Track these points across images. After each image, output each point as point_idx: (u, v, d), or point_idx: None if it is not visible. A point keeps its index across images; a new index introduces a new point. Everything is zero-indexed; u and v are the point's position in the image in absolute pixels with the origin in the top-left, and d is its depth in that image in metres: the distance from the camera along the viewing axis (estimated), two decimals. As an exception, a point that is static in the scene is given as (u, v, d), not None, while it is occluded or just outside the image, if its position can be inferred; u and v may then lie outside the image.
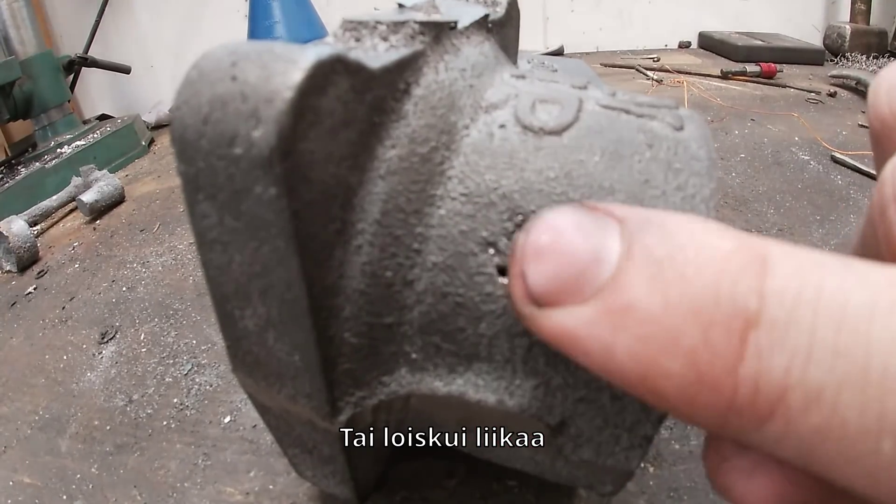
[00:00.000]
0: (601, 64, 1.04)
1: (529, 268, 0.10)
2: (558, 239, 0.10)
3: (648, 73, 0.93)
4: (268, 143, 0.11)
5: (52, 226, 0.61)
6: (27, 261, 0.52)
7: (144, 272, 0.48)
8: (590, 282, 0.10)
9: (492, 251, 0.14)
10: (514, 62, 0.24)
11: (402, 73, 0.15)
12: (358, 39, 0.16)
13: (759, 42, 1.03)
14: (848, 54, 1.02)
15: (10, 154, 0.78)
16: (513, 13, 0.24)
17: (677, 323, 0.09)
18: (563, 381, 0.14)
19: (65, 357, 0.39)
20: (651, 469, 0.26)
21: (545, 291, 0.10)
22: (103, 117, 0.92)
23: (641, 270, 0.09)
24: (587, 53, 1.18)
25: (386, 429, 0.18)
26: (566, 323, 0.10)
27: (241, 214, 0.12)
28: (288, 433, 0.19)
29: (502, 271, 0.14)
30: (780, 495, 0.10)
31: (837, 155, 0.59)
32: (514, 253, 0.11)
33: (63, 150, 0.73)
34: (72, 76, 0.86)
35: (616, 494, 0.18)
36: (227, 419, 0.31)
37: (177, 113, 0.12)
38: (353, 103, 0.13)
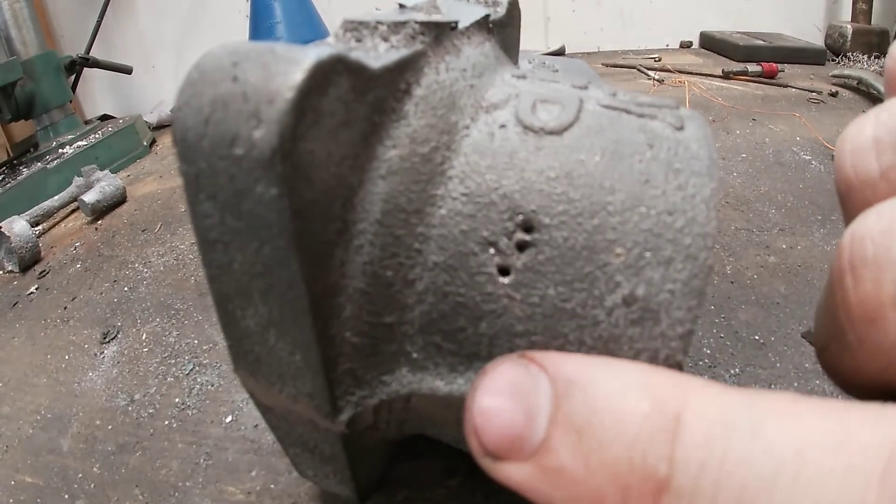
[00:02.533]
0: (602, 64, 1.04)
1: (479, 427, 0.12)
2: (497, 401, 0.12)
3: (650, 72, 0.93)
4: (269, 143, 0.11)
5: (53, 226, 0.62)
6: (29, 261, 0.52)
7: (146, 272, 0.48)
8: (527, 442, 0.11)
9: (492, 251, 0.14)
10: (516, 62, 0.24)
11: (402, 74, 0.15)
12: (359, 40, 0.16)
13: (761, 42, 1.03)
14: (849, 54, 1.02)
15: (11, 154, 0.79)
16: (514, 13, 0.24)
17: (600, 485, 0.10)
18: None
19: (66, 357, 0.39)
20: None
21: (495, 448, 0.11)
22: (105, 117, 0.93)
23: (565, 438, 0.11)
24: (588, 53, 1.18)
25: (387, 429, 0.18)
26: (515, 476, 0.11)
27: (243, 214, 0.12)
28: (289, 432, 0.19)
29: (503, 271, 0.14)
30: None
31: (839, 155, 0.59)
32: (466, 410, 0.12)
33: (65, 151, 0.73)
34: (73, 76, 0.86)
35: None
36: (229, 419, 0.31)
37: (178, 113, 0.12)
38: (353, 103, 0.13)
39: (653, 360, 0.13)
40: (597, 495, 0.10)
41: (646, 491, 0.10)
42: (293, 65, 0.11)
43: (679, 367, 0.13)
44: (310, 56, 0.12)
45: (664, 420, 0.10)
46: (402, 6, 0.19)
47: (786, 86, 0.86)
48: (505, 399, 0.12)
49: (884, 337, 0.10)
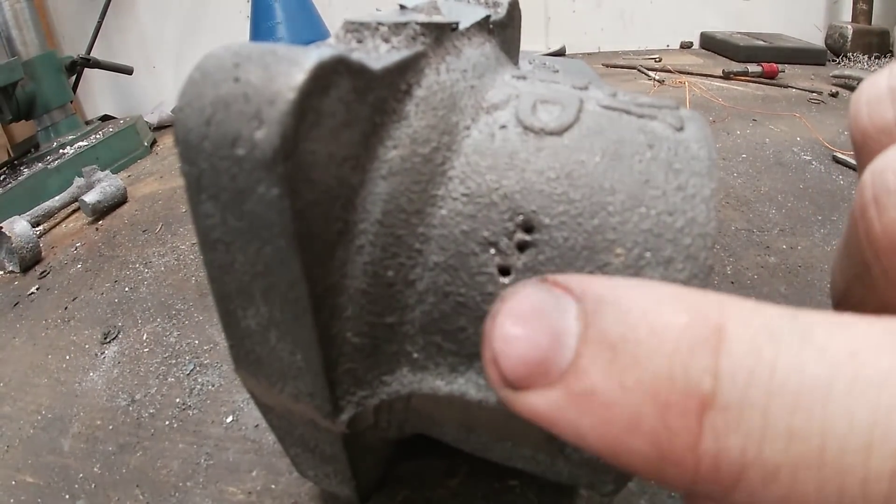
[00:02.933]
0: (603, 64, 1.04)
1: (499, 354, 0.11)
2: (520, 325, 0.11)
3: (650, 73, 0.93)
4: (270, 143, 0.11)
5: (54, 226, 0.62)
6: (30, 261, 0.52)
7: (147, 272, 0.48)
8: (553, 366, 0.10)
9: (493, 251, 0.14)
10: (516, 63, 0.24)
11: (403, 74, 0.15)
12: (360, 41, 0.16)
13: (761, 42, 1.03)
14: (850, 54, 1.02)
15: (12, 155, 0.79)
16: (514, 14, 0.24)
17: (636, 405, 0.09)
18: (564, 381, 0.14)
19: (67, 357, 0.39)
20: (652, 469, 0.26)
21: (516, 377, 0.10)
22: (105, 118, 0.93)
23: (598, 355, 0.10)
24: (589, 54, 1.18)
25: (387, 428, 0.18)
26: (538, 406, 0.10)
27: (244, 215, 0.12)
28: (290, 432, 0.19)
29: (503, 271, 0.14)
30: None
31: (839, 155, 0.59)
32: (484, 338, 0.11)
33: (65, 151, 0.73)
34: (74, 77, 0.86)
35: (617, 494, 0.18)
36: (230, 419, 0.31)
37: (180, 114, 0.12)
38: (354, 104, 0.13)
39: None
40: (633, 417, 0.09)
41: (688, 408, 0.09)
42: (295, 66, 0.12)
43: None
44: (311, 57, 0.12)
45: (705, 330, 0.09)
46: (402, 7, 0.19)
47: (786, 86, 0.86)
48: (528, 322, 0.11)
49: None
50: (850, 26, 1.05)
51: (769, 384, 0.08)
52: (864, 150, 0.13)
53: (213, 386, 0.34)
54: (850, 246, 0.12)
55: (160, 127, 0.94)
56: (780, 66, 0.91)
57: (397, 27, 0.16)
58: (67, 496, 0.28)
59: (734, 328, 0.09)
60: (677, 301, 0.10)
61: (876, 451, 0.08)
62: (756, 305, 0.09)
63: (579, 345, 0.10)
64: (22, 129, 0.86)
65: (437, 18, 0.17)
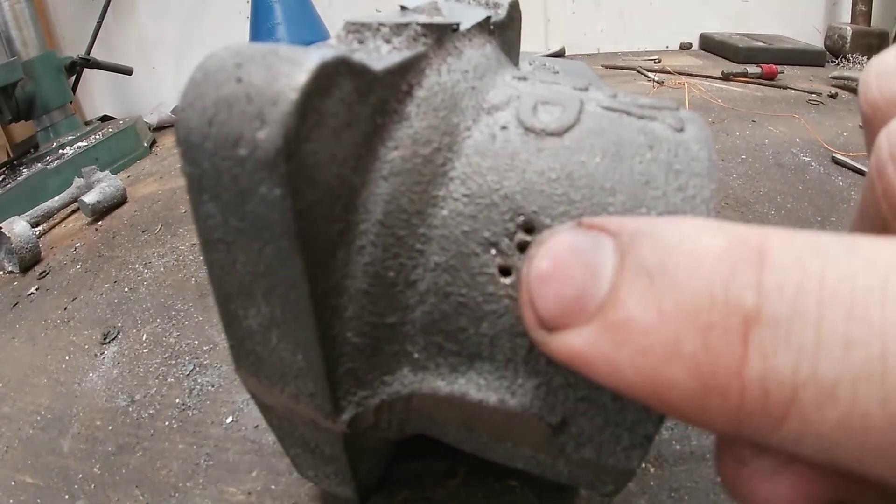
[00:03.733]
0: (602, 65, 1.05)
1: (535, 295, 0.10)
2: (557, 263, 0.10)
3: (649, 74, 0.93)
4: (273, 144, 0.11)
5: (53, 226, 0.62)
6: (29, 261, 0.52)
7: (146, 273, 0.48)
8: (590, 301, 0.10)
9: (494, 251, 0.14)
10: (516, 64, 0.24)
11: (404, 75, 0.15)
12: (361, 41, 0.16)
13: (760, 43, 1.03)
14: (849, 56, 1.02)
15: (12, 155, 0.79)
16: (514, 15, 0.24)
17: (675, 331, 0.09)
18: (565, 381, 0.15)
19: (67, 357, 0.39)
20: (652, 469, 0.26)
21: (552, 316, 0.10)
22: (105, 118, 0.93)
23: (635, 283, 0.09)
24: (588, 55, 1.18)
25: (388, 429, 0.18)
26: (574, 344, 0.10)
27: (246, 215, 0.13)
28: (290, 433, 0.19)
29: (504, 271, 0.14)
30: (809, 495, 0.10)
31: (838, 156, 0.59)
32: (520, 282, 0.11)
33: (65, 152, 0.73)
34: (74, 77, 0.86)
35: (617, 494, 0.18)
36: (229, 419, 0.31)
37: (182, 114, 0.12)
38: (356, 105, 0.13)
39: None
40: (673, 343, 0.09)
41: (731, 327, 0.08)
42: (297, 66, 0.12)
43: None
44: (313, 58, 0.12)
45: (746, 249, 0.09)
46: (403, 8, 0.19)
47: (785, 87, 0.86)
48: (564, 260, 0.10)
49: None
50: (849, 27, 1.05)
51: (820, 293, 0.08)
52: (875, 121, 0.13)
53: (212, 386, 0.34)
54: (866, 210, 0.12)
55: (160, 127, 0.94)
56: (780, 68, 0.91)
57: (398, 28, 0.16)
58: (67, 496, 0.28)
59: (777, 246, 0.09)
60: (716, 228, 0.09)
61: None
62: (796, 230, 0.09)
63: (615, 276, 0.10)
64: (21, 130, 0.86)
65: (438, 19, 0.17)
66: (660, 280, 0.09)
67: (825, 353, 0.08)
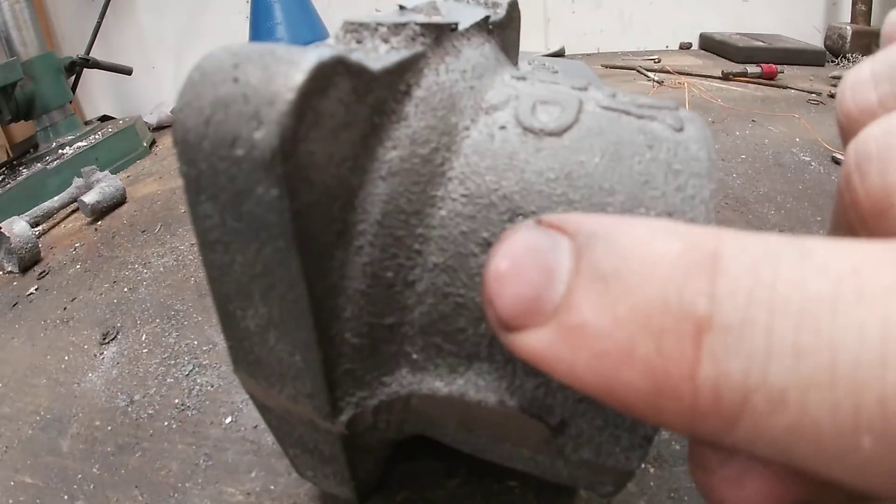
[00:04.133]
0: (602, 65, 1.04)
1: (494, 294, 0.10)
2: (514, 263, 0.10)
3: (649, 74, 0.93)
4: (269, 144, 0.11)
5: (53, 227, 0.62)
6: (29, 261, 0.52)
7: (146, 273, 0.48)
8: (546, 303, 0.10)
9: (492, 252, 0.14)
10: (515, 64, 0.24)
11: (402, 75, 0.15)
12: (359, 41, 0.16)
13: (760, 43, 1.03)
14: (849, 55, 1.02)
15: (11, 155, 0.79)
16: (513, 15, 0.24)
17: (629, 335, 0.09)
18: (564, 382, 0.14)
19: (66, 357, 0.39)
20: (651, 470, 0.26)
21: (510, 316, 0.10)
22: (105, 118, 0.93)
23: (589, 288, 0.09)
24: (588, 55, 1.18)
25: (386, 429, 0.18)
26: (532, 345, 0.10)
27: (243, 215, 0.12)
28: (289, 433, 0.19)
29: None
30: (774, 496, 0.10)
31: (838, 156, 0.59)
32: (482, 281, 0.11)
33: (64, 151, 0.73)
34: (73, 77, 0.86)
35: (616, 495, 0.18)
36: (229, 420, 0.31)
37: (179, 115, 0.12)
38: (354, 105, 0.13)
39: None
40: (626, 348, 0.09)
41: (684, 333, 0.08)
42: (294, 66, 0.12)
43: None
44: (310, 58, 0.12)
45: (700, 255, 0.09)
46: (402, 8, 0.19)
47: (785, 87, 0.86)
48: (521, 260, 0.10)
49: (893, 225, 0.10)
50: (849, 27, 1.05)
51: (771, 301, 0.08)
52: (849, 131, 0.13)
53: (212, 387, 0.34)
54: (837, 219, 0.13)
55: (159, 127, 0.94)
56: (780, 67, 0.91)
57: (397, 28, 0.16)
58: (66, 497, 0.28)
59: (730, 251, 0.09)
60: (671, 232, 0.09)
61: (892, 365, 0.07)
62: (752, 233, 0.09)
63: (571, 279, 0.10)
64: (21, 130, 0.86)
65: (436, 19, 0.17)
66: (614, 285, 0.09)
67: (775, 360, 0.08)
